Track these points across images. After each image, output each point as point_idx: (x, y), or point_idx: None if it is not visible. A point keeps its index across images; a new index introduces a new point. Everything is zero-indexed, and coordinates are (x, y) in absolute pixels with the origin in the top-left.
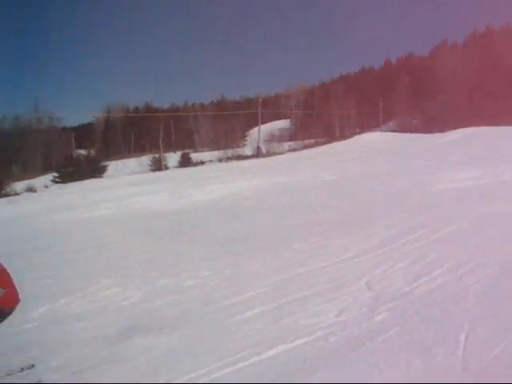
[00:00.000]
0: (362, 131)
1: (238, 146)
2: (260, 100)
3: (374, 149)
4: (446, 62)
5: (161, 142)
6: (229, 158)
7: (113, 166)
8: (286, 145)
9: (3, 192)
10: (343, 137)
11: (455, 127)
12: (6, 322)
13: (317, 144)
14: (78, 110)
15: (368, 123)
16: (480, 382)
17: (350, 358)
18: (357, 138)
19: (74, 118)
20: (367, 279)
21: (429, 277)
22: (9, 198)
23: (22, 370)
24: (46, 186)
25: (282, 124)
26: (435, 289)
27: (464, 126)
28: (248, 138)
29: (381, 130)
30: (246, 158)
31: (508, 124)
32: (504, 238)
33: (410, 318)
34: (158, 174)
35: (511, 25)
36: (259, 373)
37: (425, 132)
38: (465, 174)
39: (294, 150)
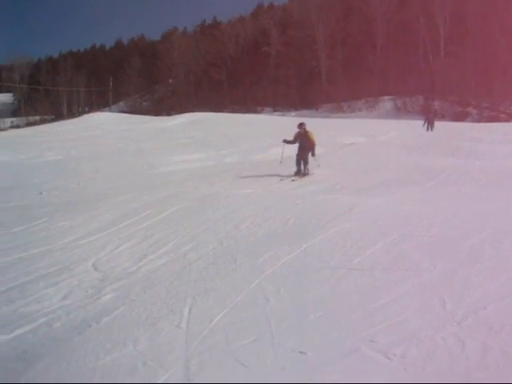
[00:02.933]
0: (91, 110)
1: None
2: None
3: (103, 129)
4: (177, 47)
5: None
6: None
7: None
8: (8, 121)
9: None
10: (71, 115)
11: (182, 111)
12: None
13: (43, 121)
14: None
15: (98, 102)
16: (201, 350)
17: (75, 341)
18: (86, 117)
19: None
20: (93, 261)
21: (154, 255)
22: None
23: None
24: None
25: (3, 98)
26: (161, 267)
27: (190, 111)
28: None
29: (111, 110)
30: None
31: (230, 111)
32: (224, 217)
33: (137, 297)
34: None
35: (236, 18)
36: None
37: (154, 114)
38: (191, 157)
39: (18, 126)
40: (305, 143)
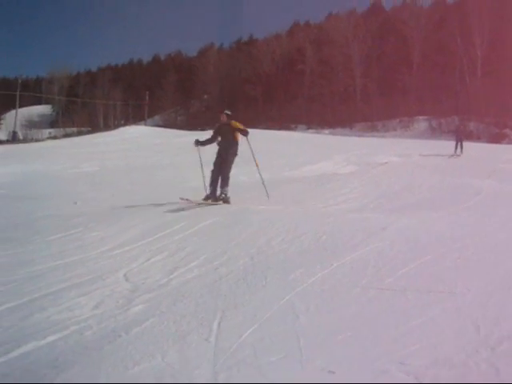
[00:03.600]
0: (127, 123)
1: None
2: (19, 81)
3: (138, 142)
4: (212, 64)
5: None
6: None
7: None
8: (46, 132)
9: None
10: (107, 127)
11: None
12: None
13: (79, 133)
14: None
15: (134, 116)
16: (230, 363)
17: (105, 351)
18: (122, 130)
19: None
20: (125, 271)
21: (185, 268)
22: None
23: None
24: None
25: (42, 109)
26: (191, 280)
27: None
28: (3, 122)
29: (146, 124)
30: None
31: (264, 127)
32: (255, 232)
33: (167, 309)
34: None
35: (272, 36)
36: (6, 374)
37: (188, 129)
38: None
39: (55, 137)
40: (228, 142)
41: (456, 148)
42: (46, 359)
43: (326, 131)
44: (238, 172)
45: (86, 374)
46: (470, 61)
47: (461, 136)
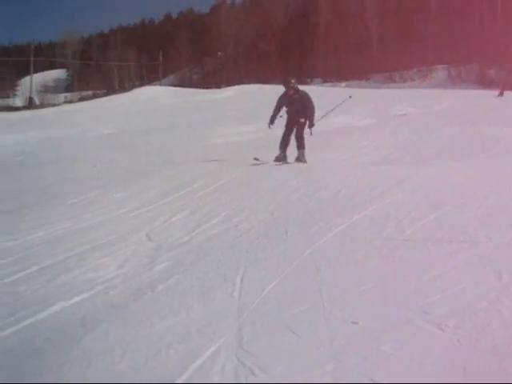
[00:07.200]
0: (142, 84)
1: (8, 96)
2: (32, 47)
3: (154, 103)
4: (225, 20)
5: None
6: None
7: None
8: (62, 96)
9: None
10: (122, 89)
11: (231, 84)
12: None
13: (95, 96)
14: None
15: (148, 76)
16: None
17: (131, 308)
18: (137, 91)
19: None
20: (147, 231)
21: (207, 226)
22: None
23: None
24: None
25: (57, 74)
26: (213, 237)
27: (239, 83)
28: (19, 88)
29: (161, 84)
30: (16, 109)
31: (279, 82)
32: (274, 188)
33: (190, 266)
34: None
35: None
36: (35, 335)
37: (204, 87)
38: (241, 129)
39: (71, 101)
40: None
41: (285, 145)
42: (73, 319)
43: (343, 84)
44: None
45: (113, 331)
46: (489, 6)
47: (300, 107)
